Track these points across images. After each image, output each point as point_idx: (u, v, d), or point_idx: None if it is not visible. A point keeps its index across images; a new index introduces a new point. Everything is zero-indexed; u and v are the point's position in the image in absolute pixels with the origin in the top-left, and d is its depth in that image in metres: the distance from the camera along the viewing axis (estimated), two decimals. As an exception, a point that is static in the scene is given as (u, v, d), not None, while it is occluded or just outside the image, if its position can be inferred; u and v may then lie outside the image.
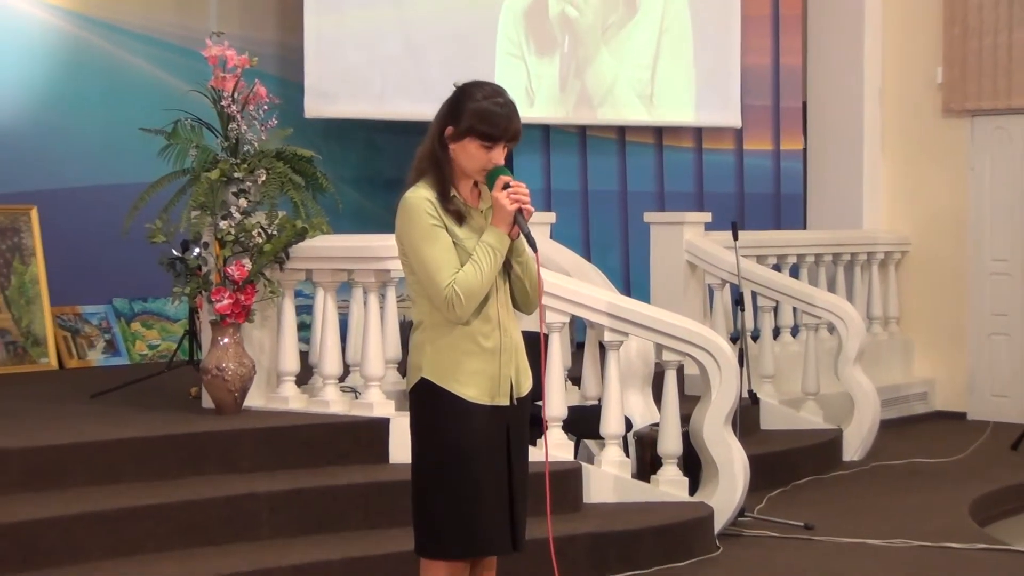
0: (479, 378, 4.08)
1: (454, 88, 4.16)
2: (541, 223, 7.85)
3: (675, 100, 10.62)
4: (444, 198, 4.05)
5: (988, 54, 10.15)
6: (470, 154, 4.07)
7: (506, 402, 4.14)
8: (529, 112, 9.23)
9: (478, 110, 4.03)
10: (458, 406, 4.06)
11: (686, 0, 10.58)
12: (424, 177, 4.09)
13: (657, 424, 6.81)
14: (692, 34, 10.61)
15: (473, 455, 4.06)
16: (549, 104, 10.10)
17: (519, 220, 4.05)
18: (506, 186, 4.03)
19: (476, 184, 4.14)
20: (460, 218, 4.06)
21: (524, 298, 4.23)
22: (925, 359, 10.59)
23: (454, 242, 4.03)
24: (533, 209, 4.13)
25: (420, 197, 4.03)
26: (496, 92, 4.10)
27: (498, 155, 4.09)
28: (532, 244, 4.12)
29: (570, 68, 10.20)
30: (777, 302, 8.95)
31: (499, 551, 4.19)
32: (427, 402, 4.11)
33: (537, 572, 5.50)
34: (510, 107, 4.08)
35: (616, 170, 10.61)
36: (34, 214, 8.89)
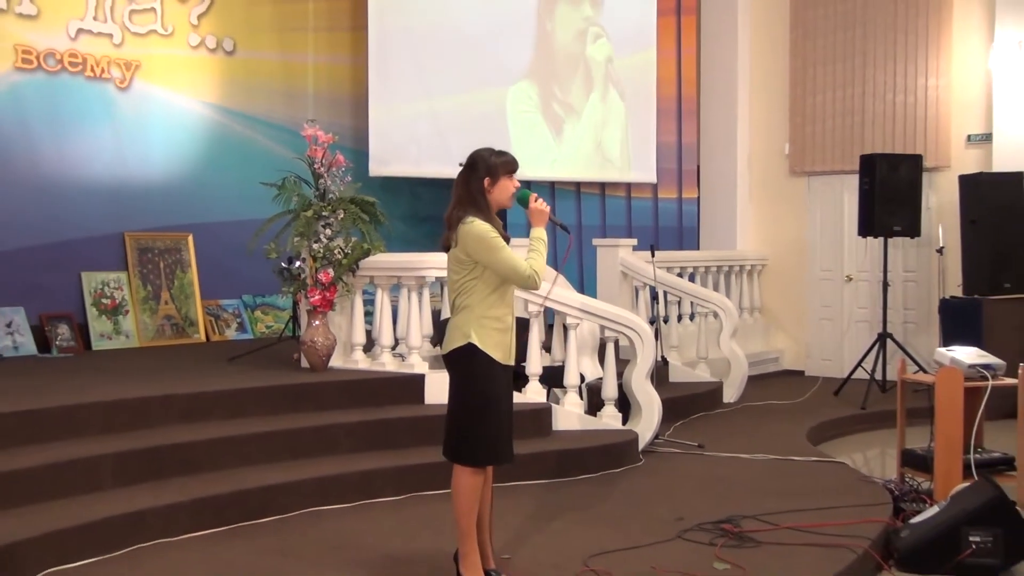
0: (502, 346, 4.06)
1: (461, 165, 4.10)
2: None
3: (613, 164, 10.58)
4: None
5: (819, 136, 10.17)
6: (505, 187, 4.08)
7: (512, 362, 4.14)
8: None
9: (500, 161, 4.07)
10: (489, 364, 4.01)
11: (619, 96, 10.55)
12: (469, 214, 4.03)
13: (601, 378, 6.79)
14: (625, 120, 10.58)
15: (498, 397, 4.04)
16: (529, 167, 10.06)
17: (553, 218, 4.13)
18: (536, 199, 4.12)
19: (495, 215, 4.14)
20: (505, 239, 4.07)
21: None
22: (777, 335, 10.57)
23: None
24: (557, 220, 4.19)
25: (483, 222, 4.00)
26: (496, 149, 4.12)
27: (514, 181, 4.13)
28: (566, 229, 4.21)
29: (542, 143, 10.15)
30: (680, 298, 8.92)
31: (508, 461, 4.14)
32: (471, 360, 4.02)
33: (518, 474, 5.52)
34: (509, 153, 4.13)
35: (574, 211, 10.57)
36: (190, 239, 8.85)
